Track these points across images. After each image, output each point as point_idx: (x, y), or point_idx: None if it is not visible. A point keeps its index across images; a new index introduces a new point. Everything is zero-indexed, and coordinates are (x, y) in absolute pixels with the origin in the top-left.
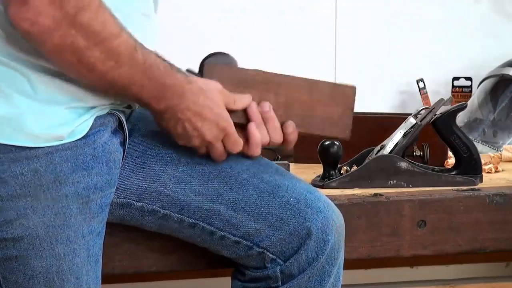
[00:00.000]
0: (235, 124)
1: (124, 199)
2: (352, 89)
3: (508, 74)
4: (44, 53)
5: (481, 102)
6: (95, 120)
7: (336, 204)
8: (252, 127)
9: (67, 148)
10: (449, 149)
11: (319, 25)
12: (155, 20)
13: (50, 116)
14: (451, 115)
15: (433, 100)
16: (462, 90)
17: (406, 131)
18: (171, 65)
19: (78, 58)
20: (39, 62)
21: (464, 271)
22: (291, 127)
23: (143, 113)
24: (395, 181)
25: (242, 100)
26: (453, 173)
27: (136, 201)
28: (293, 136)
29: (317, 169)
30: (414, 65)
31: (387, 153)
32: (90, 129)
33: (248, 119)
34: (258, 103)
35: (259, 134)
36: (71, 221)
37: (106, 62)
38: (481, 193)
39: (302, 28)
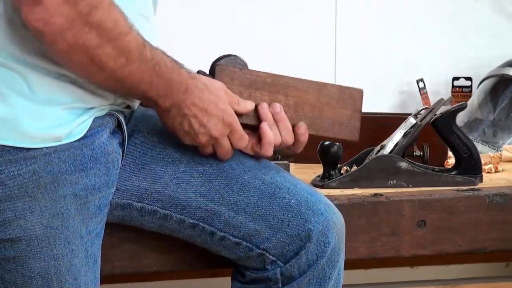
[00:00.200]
0: (246, 125)
1: (124, 200)
2: (360, 92)
3: (508, 74)
4: (55, 53)
5: (481, 102)
6: (93, 120)
7: (336, 204)
8: (265, 126)
9: (65, 149)
10: (449, 149)
11: (319, 25)
12: (154, 21)
13: (48, 117)
14: (451, 115)
15: (433, 100)
16: (462, 90)
17: (406, 131)
18: (175, 61)
19: (90, 57)
20: (37, 62)
21: (464, 271)
22: (303, 127)
23: (144, 114)
24: (395, 181)
25: (246, 103)
26: (453, 173)
27: (137, 202)
28: (304, 137)
29: (317, 169)
30: (414, 65)
31: (387, 153)
32: (89, 130)
33: (259, 121)
34: (269, 105)
35: (272, 134)
36: (69, 222)
37: (118, 59)
38: (481, 193)
39: (302, 28)
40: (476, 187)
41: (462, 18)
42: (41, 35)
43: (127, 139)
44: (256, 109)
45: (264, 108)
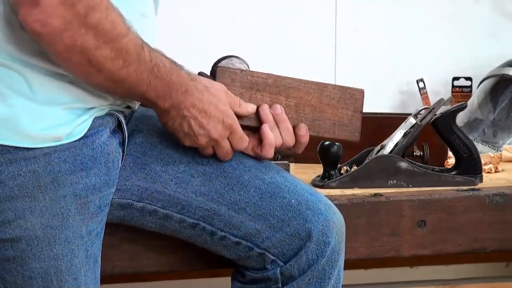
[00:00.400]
0: (247, 127)
1: (124, 200)
2: (361, 92)
3: (508, 74)
4: (53, 54)
5: (481, 102)
6: (94, 120)
7: (336, 204)
8: (266, 128)
9: (65, 149)
10: (449, 149)
11: (319, 25)
12: (154, 20)
13: (48, 117)
14: (451, 115)
15: (433, 100)
16: (462, 90)
17: (406, 131)
18: (174, 62)
19: (87, 58)
20: (38, 62)
21: (464, 271)
22: (304, 129)
23: (144, 114)
24: (395, 181)
25: (248, 106)
26: (453, 173)
27: (137, 202)
28: (305, 138)
29: (317, 169)
30: (414, 65)
31: (387, 153)
32: (89, 129)
33: (260, 122)
34: (270, 106)
35: (273, 135)
36: (69, 221)
37: (115, 61)
38: (481, 193)
39: (302, 28)
40: (476, 187)
41: (462, 18)
42: (38, 36)
43: (127, 139)
44: (257, 111)
45: (265, 110)
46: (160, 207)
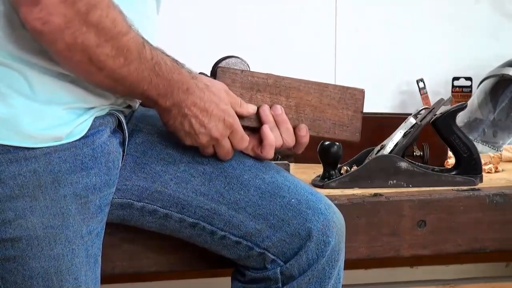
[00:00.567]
0: (247, 127)
1: (124, 200)
2: (361, 92)
3: (508, 74)
4: (54, 52)
5: (481, 102)
6: (94, 120)
7: (336, 204)
8: (266, 129)
9: (66, 149)
10: (449, 149)
11: (319, 25)
12: (155, 20)
13: (48, 116)
14: (451, 115)
15: (433, 100)
16: (462, 90)
17: (406, 131)
18: (176, 60)
19: (88, 56)
20: (38, 62)
21: (464, 271)
22: (304, 129)
23: (144, 114)
24: (395, 181)
25: (249, 106)
26: (453, 173)
27: (137, 201)
28: (305, 138)
29: (317, 169)
30: (414, 65)
31: (387, 153)
32: (89, 129)
33: (260, 123)
34: (270, 106)
35: (273, 136)
36: (70, 221)
37: (116, 59)
38: (481, 193)
39: (302, 28)
40: (476, 187)
41: (462, 18)
42: (39, 34)
43: (128, 138)
44: (257, 111)
45: (266, 110)
46: (160, 207)
